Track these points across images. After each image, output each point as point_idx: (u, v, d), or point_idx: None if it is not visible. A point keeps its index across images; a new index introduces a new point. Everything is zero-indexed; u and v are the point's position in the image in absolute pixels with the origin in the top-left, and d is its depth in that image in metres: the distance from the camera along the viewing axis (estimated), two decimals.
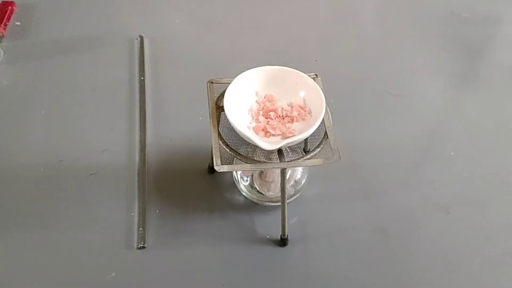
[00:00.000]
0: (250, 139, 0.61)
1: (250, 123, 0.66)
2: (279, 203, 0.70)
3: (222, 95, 0.68)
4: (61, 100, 0.91)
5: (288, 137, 0.63)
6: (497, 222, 0.78)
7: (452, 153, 0.87)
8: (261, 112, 0.66)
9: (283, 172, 0.65)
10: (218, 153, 0.62)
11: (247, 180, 0.78)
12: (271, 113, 0.66)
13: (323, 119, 0.63)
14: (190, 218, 0.76)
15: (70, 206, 0.76)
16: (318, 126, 0.62)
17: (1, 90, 0.93)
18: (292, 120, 0.66)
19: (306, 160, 0.63)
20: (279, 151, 0.64)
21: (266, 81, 0.68)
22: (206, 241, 0.73)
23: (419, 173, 0.84)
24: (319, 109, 0.63)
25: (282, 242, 0.73)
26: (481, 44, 1.09)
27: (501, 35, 1.12)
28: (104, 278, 0.69)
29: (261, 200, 0.77)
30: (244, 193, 0.78)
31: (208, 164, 0.80)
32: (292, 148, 0.66)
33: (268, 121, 0.65)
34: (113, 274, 0.69)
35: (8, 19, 1.05)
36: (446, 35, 1.10)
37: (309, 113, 0.66)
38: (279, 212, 0.70)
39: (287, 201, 0.71)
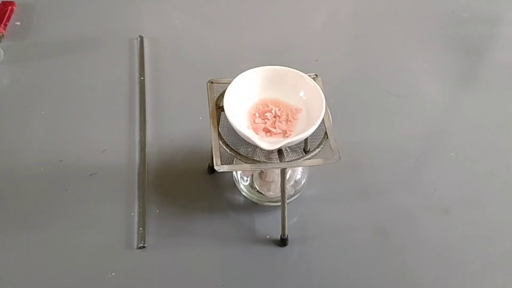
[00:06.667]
0: (250, 139, 0.61)
1: (250, 123, 0.66)
2: (279, 203, 0.70)
3: (222, 95, 0.68)
4: (61, 100, 0.91)
5: (288, 136, 0.63)
6: (497, 222, 0.78)
7: (452, 153, 0.87)
8: (257, 114, 0.66)
9: (283, 172, 0.65)
10: (218, 153, 0.62)
11: (247, 180, 0.78)
12: (268, 114, 0.66)
13: (323, 119, 0.63)
14: (190, 218, 0.76)
15: (70, 206, 0.76)
16: (318, 126, 0.62)
17: (1, 90, 0.93)
18: (288, 120, 0.66)
19: (306, 160, 0.63)
20: (279, 151, 0.64)
21: (266, 81, 0.68)
22: (206, 241, 0.73)
23: (419, 173, 0.84)
24: (319, 109, 0.63)
25: (282, 242, 0.73)
26: (481, 44, 1.09)
27: (501, 35, 1.12)
28: (104, 278, 0.69)
29: (261, 200, 0.77)
30: (244, 193, 0.78)
31: (208, 164, 0.80)
32: (292, 148, 0.67)
33: (266, 122, 0.65)
34: (113, 274, 0.69)
35: (8, 19, 1.05)
36: (446, 35, 1.10)
37: (299, 112, 0.66)
38: (279, 212, 0.70)
39: (287, 201, 0.71)
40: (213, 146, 0.62)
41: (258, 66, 0.67)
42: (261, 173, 0.76)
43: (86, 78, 0.96)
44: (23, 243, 0.72)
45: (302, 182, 0.78)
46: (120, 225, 0.74)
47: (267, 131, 0.65)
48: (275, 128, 0.65)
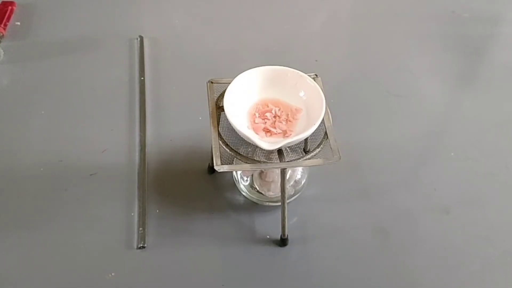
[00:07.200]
0: (250, 139, 0.61)
1: (250, 123, 0.66)
2: (279, 203, 0.70)
3: (222, 95, 0.68)
4: (61, 100, 0.91)
5: (288, 136, 0.63)
6: (497, 222, 0.78)
7: (452, 153, 0.87)
8: (257, 114, 0.66)
9: (283, 172, 0.65)
10: (218, 153, 0.62)
11: (247, 180, 0.78)
12: (268, 114, 0.66)
13: (323, 119, 0.63)
14: (190, 218, 0.76)
15: (70, 206, 0.76)
16: (318, 126, 0.62)
17: (1, 90, 0.93)
18: (288, 120, 0.66)
19: (306, 160, 0.63)
20: (279, 151, 0.64)
21: (266, 81, 0.68)
22: (206, 241, 0.73)
23: (419, 173, 0.84)
24: (319, 109, 0.63)
25: (282, 242, 0.73)
26: (481, 44, 1.09)
27: (501, 35, 1.12)
28: (104, 278, 0.69)
29: (261, 200, 0.77)
30: (244, 193, 0.78)
31: (208, 164, 0.80)
32: (292, 148, 0.67)
33: (266, 122, 0.65)
34: (113, 274, 0.69)
35: (8, 19, 1.05)
36: (446, 35, 1.10)
37: (299, 112, 0.66)
38: (279, 212, 0.70)
39: (287, 201, 0.71)
40: (213, 146, 0.62)
41: (258, 66, 0.67)
42: (261, 173, 0.76)
43: (86, 78, 0.96)
44: (23, 243, 0.72)
45: (302, 182, 0.78)
46: (120, 225, 0.74)
47: (267, 131, 0.65)
48: (275, 128, 0.65)
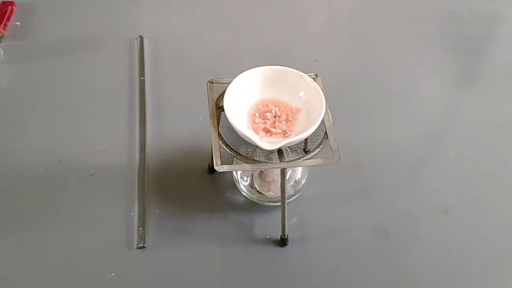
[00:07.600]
0: (250, 139, 0.61)
1: (250, 123, 0.66)
2: (279, 203, 0.70)
3: (222, 95, 0.68)
4: (61, 100, 0.91)
5: (288, 136, 0.63)
6: (497, 222, 0.78)
7: (452, 153, 0.87)
8: (257, 114, 0.66)
9: (283, 172, 0.65)
10: (218, 153, 0.62)
11: (247, 180, 0.78)
12: (267, 114, 0.66)
13: (323, 119, 0.63)
14: (190, 218, 0.76)
15: (70, 206, 0.76)
16: (318, 126, 0.62)
17: (1, 90, 0.93)
18: (288, 120, 0.66)
19: (306, 160, 0.63)
20: (279, 151, 0.64)
21: (266, 81, 0.68)
22: (206, 241, 0.73)
23: (419, 173, 0.84)
24: (319, 109, 0.63)
25: (282, 242, 0.73)
26: (481, 44, 1.09)
27: (501, 35, 1.12)
28: (104, 278, 0.69)
29: (261, 200, 0.77)
30: (244, 193, 0.78)
31: (208, 164, 0.80)
32: (292, 148, 0.67)
33: (266, 122, 0.65)
34: (113, 274, 0.69)
35: (8, 19, 1.05)
36: (446, 35, 1.10)
37: (299, 112, 0.66)
38: (279, 212, 0.70)
39: (287, 201, 0.71)
40: (213, 146, 0.62)
41: (258, 66, 0.67)
42: (261, 173, 0.76)
43: (86, 78, 0.96)
44: (23, 243, 0.72)
45: (302, 182, 0.78)
46: (120, 225, 0.74)
47: (267, 131, 0.65)
48: (275, 128, 0.65)
